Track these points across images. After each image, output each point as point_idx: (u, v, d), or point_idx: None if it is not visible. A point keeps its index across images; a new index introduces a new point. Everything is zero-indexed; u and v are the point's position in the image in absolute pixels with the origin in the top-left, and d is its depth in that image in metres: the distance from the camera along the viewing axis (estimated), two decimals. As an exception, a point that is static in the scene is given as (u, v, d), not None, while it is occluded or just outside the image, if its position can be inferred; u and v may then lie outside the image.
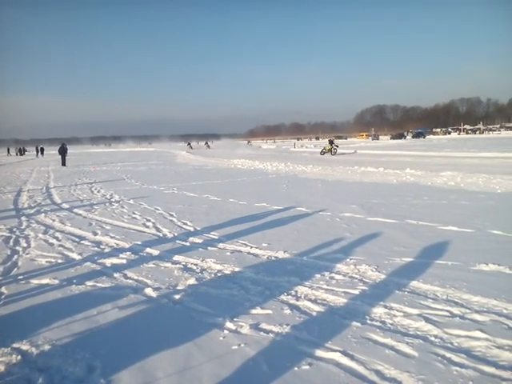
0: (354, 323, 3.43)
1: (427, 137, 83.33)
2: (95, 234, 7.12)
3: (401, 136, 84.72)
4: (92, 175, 20.49)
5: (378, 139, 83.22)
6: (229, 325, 3.49)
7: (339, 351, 2.98)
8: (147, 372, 2.82)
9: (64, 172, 23.62)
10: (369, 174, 15.72)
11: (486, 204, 8.68)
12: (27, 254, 5.96)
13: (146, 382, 2.73)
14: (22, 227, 7.93)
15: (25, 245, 6.49)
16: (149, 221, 8.07)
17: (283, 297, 4.05)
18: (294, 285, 4.35)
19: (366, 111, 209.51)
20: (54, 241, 6.69)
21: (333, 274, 4.62)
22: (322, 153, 33.76)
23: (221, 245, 6.09)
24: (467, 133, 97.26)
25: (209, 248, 5.93)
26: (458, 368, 2.72)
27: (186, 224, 7.62)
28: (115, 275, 4.87)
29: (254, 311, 3.75)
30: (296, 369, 2.79)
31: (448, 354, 2.89)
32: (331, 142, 34.05)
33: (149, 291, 4.30)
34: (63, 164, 29.46)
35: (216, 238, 6.53)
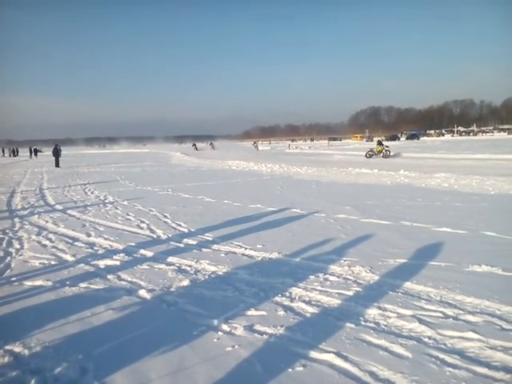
0: (348, 324, 3.43)
1: (421, 138, 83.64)
2: (89, 235, 7.09)
3: (395, 138, 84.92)
4: (86, 176, 20.41)
5: (372, 141, 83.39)
6: (223, 326, 3.48)
7: (333, 352, 2.98)
8: (141, 374, 2.81)
9: (58, 173, 23.52)
10: (363, 175, 15.76)
11: (479, 205, 8.73)
12: (20, 255, 5.93)
13: (139, 383, 2.72)
14: (15, 229, 7.89)
15: (18, 246, 6.45)
16: (143, 222, 8.05)
17: (277, 298, 4.05)
18: (288, 286, 4.35)
19: (360, 113, 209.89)
20: (47, 242, 6.65)
21: (327, 276, 4.63)
22: (369, 155, 28.03)
23: (215, 246, 6.08)
24: (460, 134, 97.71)
25: (203, 249, 5.92)
26: (451, 369, 2.73)
27: (180, 225, 7.61)
28: (109, 277, 4.86)
29: (248, 312, 3.75)
30: (290, 370, 2.79)
31: (441, 355, 2.91)
32: (381, 143, 28.42)
33: (143, 293, 4.29)
34: (57, 165, 29.31)
35: (210, 239, 6.53)
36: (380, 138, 32.57)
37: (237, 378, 2.74)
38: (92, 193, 13.35)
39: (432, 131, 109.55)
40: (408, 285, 4.26)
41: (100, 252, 5.99)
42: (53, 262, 5.52)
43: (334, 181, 14.64)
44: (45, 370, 2.89)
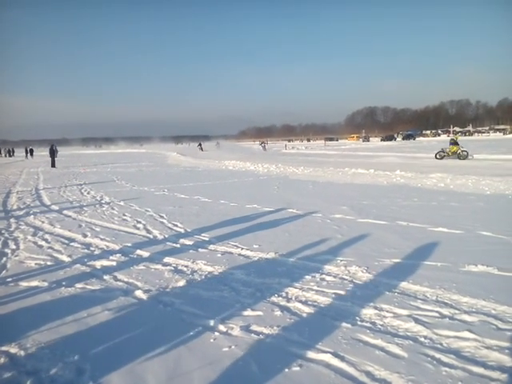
0: (345, 324, 3.44)
1: (417, 139, 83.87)
2: (85, 235, 7.07)
3: (391, 138, 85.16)
4: (82, 177, 20.36)
5: (368, 141, 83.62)
6: (219, 327, 3.48)
7: (330, 352, 2.98)
8: (137, 375, 2.81)
9: (54, 173, 23.44)
10: (359, 175, 15.79)
11: (475, 205, 8.76)
12: (16, 256, 5.91)
13: (135, 384, 2.71)
14: (11, 229, 7.86)
15: (14, 247, 6.43)
16: (139, 222, 8.04)
17: (274, 298, 4.05)
18: (284, 286, 4.35)
19: (356, 113, 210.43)
20: (43, 243, 6.63)
21: (323, 276, 4.63)
22: (440, 156, 23.87)
23: (211, 246, 6.08)
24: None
25: (199, 250, 5.92)
26: (447, 368, 2.74)
27: (176, 226, 7.60)
28: (105, 277, 4.85)
29: (244, 313, 3.75)
30: (286, 370, 2.79)
31: (437, 355, 2.91)
32: (455, 142, 23.74)
33: (139, 293, 4.28)
34: (53, 165, 29.22)
35: (207, 239, 6.52)
36: (454, 137, 27.83)
37: (233, 379, 2.74)
38: (88, 193, 13.32)
39: (428, 131, 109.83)
40: (404, 285, 4.27)
41: (96, 252, 5.98)
42: (49, 263, 5.51)
43: (330, 181, 14.66)
44: (41, 371, 2.88)
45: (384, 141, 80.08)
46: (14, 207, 10.82)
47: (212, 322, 3.54)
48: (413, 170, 16.07)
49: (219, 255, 5.59)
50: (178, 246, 6.22)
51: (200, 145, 65.59)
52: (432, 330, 3.28)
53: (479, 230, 6.45)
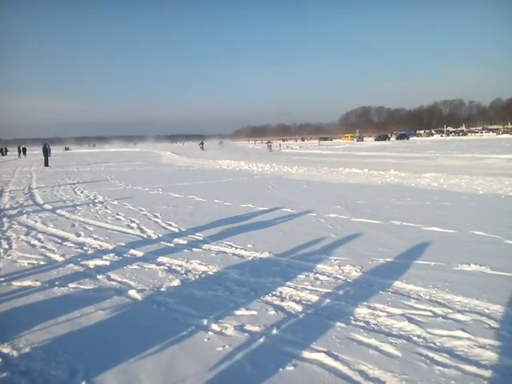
0: (339, 324, 3.44)
1: (411, 138, 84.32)
2: (78, 235, 7.04)
3: (385, 138, 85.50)
4: (75, 176, 20.27)
5: (362, 141, 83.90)
6: (213, 326, 3.47)
7: (324, 352, 2.99)
8: (131, 374, 2.80)
9: (47, 172, 23.32)
10: (353, 175, 15.82)
11: (468, 205, 8.81)
12: (9, 255, 5.87)
13: (129, 384, 2.70)
14: (4, 228, 7.81)
15: (6, 246, 6.39)
16: (133, 222, 8.01)
17: (268, 298, 4.05)
18: (278, 286, 4.35)
19: (351, 113, 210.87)
20: (36, 242, 6.59)
21: (317, 275, 4.64)
22: None
23: (206, 246, 6.07)
24: (448, 135, 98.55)
25: (193, 249, 5.91)
26: (440, 367, 2.75)
27: (170, 225, 7.58)
28: (98, 277, 4.82)
29: (238, 312, 3.74)
30: (280, 370, 2.79)
31: (431, 354, 2.92)
32: None
33: (132, 293, 4.27)
34: (46, 164, 29.07)
35: (201, 239, 6.51)
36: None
37: (227, 378, 2.74)
38: (81, 192, 13.26)
39: (422, 131, 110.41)
40: (398, 284, 4.28)
41: (89, 252, 5.95)
42: (42, 262, 5.48)
43: (324, 180, 14.68)
44: (34, 371, 2.87)
45: (378, 140, 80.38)
46: (7, 206, 10.75)
47: (206, 322, 3.54)
48: (406, 169, 16.12)
49: (213, 255, 5.58)
50: (172, 245, 6.20)
51: (201, 143, 60.49)
52: (425, 329, 3.29)
53: (472, 230, 6.49)
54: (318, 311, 3.71)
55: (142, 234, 6.94)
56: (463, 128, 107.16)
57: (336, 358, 2.92)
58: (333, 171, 17.28)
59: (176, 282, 4.53)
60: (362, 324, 3.44)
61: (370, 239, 6.15)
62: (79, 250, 6.03)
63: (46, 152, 29.86)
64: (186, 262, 5.30)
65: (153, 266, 5.20)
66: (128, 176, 19.24)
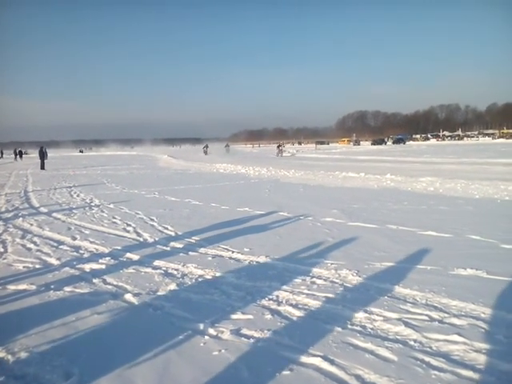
0: (335, 328, 3.44)
1: (407, 143, 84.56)
2: (74, 238, 7.01)
3: (381, 142, 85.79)
4: (72, 179, 20.21)
5: (359, 145, 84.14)
6: (209, 330, 3.46)
7: (320, 356, 2.98)
8: (126, 379, 2.78)
9: (43, 176, 23.25)
10: (350, 179, 15.85)
11: (464, 209, 8.83)
12: (4, 259, 5.84)
13: (124, 389, 2.69)
14: (-1, 232, 7.77)
15: (1, 250, 6.36)
16: (129, 225, 7.99)
17: (264, 302, 4.04)
18: (275, 290, 4.35)
19: (347, 117, 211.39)
20: (31, 246, 6.57)
21: (314, 279, 4.63)
22: None
23: (202, 250, 6.06)
24: (443, 139, 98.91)
25: (190, 253, 5.89)
26: (436, 372, 2.75)
27: (167, 229, 7.57)
28: (94, 281, 4.81)
29: (235, 316, 3.73)
30: (277, 374, 2.78)
31: (427, 358, 2.92)
32: None
33: (128, 297, 4.25)
34: (42, 167, 28.99)
35: (197, 242, 6.50)
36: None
37: (223, 383, 2.73)
38: (78, 195, 13.23)
39: (418, 136, 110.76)
40: (394, 288, 4.28)
41: (85, 255, 5.93)
42: (37, 266, 5.45)
43: (321, 184, 14.70)
44: (29, 376, 2.85)
45: (374, 145, 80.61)
46: (3, 209, 10.70)
47: (202, 326, 3.53)
48: (403, 173, 16.17)
49: (210, 258, 5.57)
50: (169, 249, 6.19)
51: (206, 147, 53.99)
52: (421, 334, 3.30)
53: (468, 234, 6.50)
54: (314, 315, 3.71)
55: (138, 238, 6.92)
56: (459, 132, 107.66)
57: (332, 362, 2.91)
58: (329, 175, 17.32)
59: (172, 286, 4.52)
60: (358, 328, 3.44)
61: (366, 243, 6.15)
62: (75, 254, 6.01)
63: (43, 155, 29.77)
64: (183, 265, 5.28)
65: (149, 269, 5.18)
66: (124, 179, 19.20)
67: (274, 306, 3.93)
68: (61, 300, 4.25)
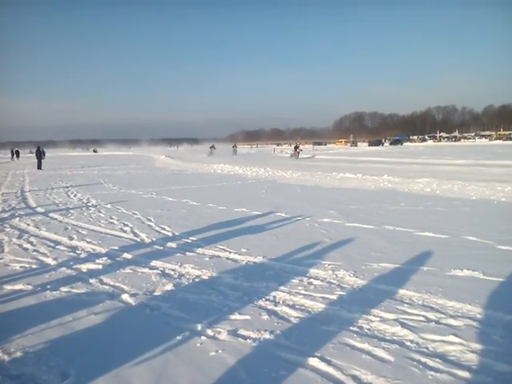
0: (332, 328, 3.44)
1: (404, 144, 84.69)
2: (71, 238, 7.00)
3: (378, 143, 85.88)
4: (69, 179, 20.17)
5: (356, 146, 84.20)
6: (206, 331, 3.46)
7: (317, 356, 2.98)
8: (123, 379, 2.78)
9: (40, 175, 23.18)
10: (347, 180, 15.87)
11: (461, 210, 8.86)
12: (0, 259, 5.82)
13: (121, 389, 2.68)
14: (-4, 231, 7.74)
15: (-2, 250, 6.33)
16: (126, 225, 7.98)
17: (262, 302, 4.04)
18: (272, 290, 4.35)
19: (344, 118, 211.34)
20: (28, 246, 6.55)
21: (311, 280, 4.64)
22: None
23: (199, 250, 6.05)
24: (440, 140, 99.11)
25: (187, 253, 5.89)
26: (433, 372, 2.76)
27: (164, 229, 7.56)
28: (91, 281, 4.79)
29: (232, 317, 3.73)
30: (273, 374, 2.78)
31: (423, 359, 2.93)
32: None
33: (125, 297, 4.24)
34: (39, 167, 28.92)
35: (194, 243, 6.49)
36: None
37: (220, 383, 2.72)
38: (75, 195, 13.20)
39: (415, 137, 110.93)
40: (391, 289, 4.29)
41: (82, 256, 5.91)
42: (34, 266, 5.43)
43: (318, 185, 14.71)
44: (25, 376, 2.84)
45: (371, 146, 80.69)
46: (-1, 209, 10.67)
47: (199, 326, 3.52)
48: (400, 174, 16.20)
49: (207, 259, 5.57)
50: (166, 249, 6.18)
51: (213, 147, 49.80)
52: (418, 334, 3.30)
53: (465, 235, 6.52)
54: (311, 316, 3.71)
55: (135, 238, 6.91)
56: (456, 134, 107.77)
57: (329, 362, 2.91)
58: (327, 176, 17.34)
59: (169, 287, 4.51)
60: (355, 329, 3.44)
61: (363, 244, 6.16)
62: (72, 254, 6.00)
63: (40, 155, 29.71)
64: (180, 266, 5.28)
65: (146, 270, 5.18)
66: (122, 179, 19.17)
67: (271, 307, 3.93)
68: (57, 300, 4.24)
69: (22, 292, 4.49)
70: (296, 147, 40.82)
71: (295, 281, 4.62)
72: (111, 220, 8.62)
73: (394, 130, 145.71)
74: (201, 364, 2.95)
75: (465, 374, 2.73)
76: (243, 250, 5.98)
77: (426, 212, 8.76)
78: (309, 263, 5.25)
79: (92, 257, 5.82)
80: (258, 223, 7.99)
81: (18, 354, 3.14)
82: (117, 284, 4.66)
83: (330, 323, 3.54)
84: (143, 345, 3.23)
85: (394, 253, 5.63)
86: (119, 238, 7.00)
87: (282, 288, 4.40)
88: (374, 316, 3.67)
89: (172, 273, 5.03)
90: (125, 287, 4.55)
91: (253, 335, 3.36)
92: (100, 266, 5.36)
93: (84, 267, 5.34)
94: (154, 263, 5.44)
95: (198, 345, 3.24)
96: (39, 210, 10.44)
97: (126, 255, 5.85)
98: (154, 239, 6.78)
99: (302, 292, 4.27)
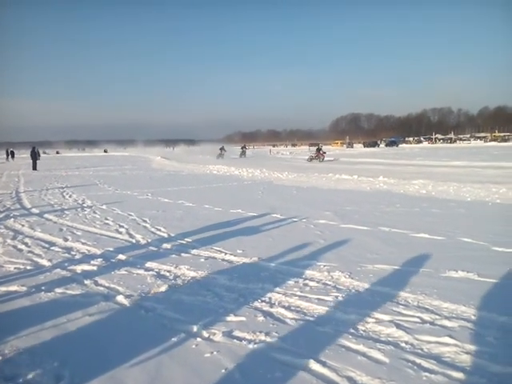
0: (327, 330, 3.44)
1: (400, 145, 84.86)
2: (66, 239, 6.97)
3: (374, 144, 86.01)
4: (64, 180, 20.10)
5: (352, 147, 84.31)
6: (202, 332, 3.45)
7: (312, 358, 2.98)
8: (117, 381, 2.77)
9: (35, 176, 23.09)
10: (343, 181, 15.90)
11: (456, 212, 8.89)
12: (-6, 260, 5.79)
13: (115, 391, 2.67)
14: (-10, 232, 7.70)
15: (-8, 251, 6.30)
16: (122, 227, 7.96)
17: (257, 304, 4.04)
18: (267, 292, 4.34)
19: (341, 119, 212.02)
20: (23, 247, 6.52)
21: (306, 281, 4.64)
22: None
23: (195, 251, 6.04)
24: (435, 142, 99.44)
25: (182, 254, 5.88)
26: (427, 374, 2.76)
27: (159, 230, 7.54)
28: (86, 282, 4.78)
29: (227, 318, 3.73)
30: (269, 376, 2.78)
31: (418, 360, 2.94)
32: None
33: (120, 298, 4.23)
34: (34, 168, 28.80)
35: (190, 244, 6.49)
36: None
37: (215, 385, 2.72)
38: (70, 196, 13.15)
39: (411, 138, 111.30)
40: (386, 290, 4.30)
41: (77, 257, 5.89)
42: (28, 267, 5.41)
43: (314, 186, 14.73)
44: (19, 377, 2.83)
45: (367, 147, 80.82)
46: (-6, 210, 10.62)
47: (194, 328, 3.52)
48: (395, 176, 16.25)
49: (202, 260, 5.56)
50: (161, 250, 6.17)
51: (222, 149, 45.22)
52: (413, 336, 3.31)
53: (460, 237, 6.54)
54: (306, 317, 3.71)
55: (130, 239, 6.90)
56: (452, 135, 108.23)
57: (324, 364, 2.91)
58: (322, 177, 17.37)
59: (164, 288, 4.51)
60: (350, 330, 3.44)
61: (358, 245, 6.17)
62: (67, 255, 5.97)
63: (35, 155, 29.59)
64: (175, 267, 5.27)
65: (141, 271, 5.16)
66: (117, 180, 19.13)
67: (266, 308, 3.93)
68: (52, 301, 4.23)
69: (16, 293, 4.47)
70: (319, 149, 36.02)
71: (291, 282, 4.62)
72: (106, 221, 8.59)
73: (389, 132, 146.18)
74: (196, 366, 2.94)
75: (459, 375, 2.74)
76: (239, 251, 5.97)
77: (422, 213, 8.79)
78: (304, 264, 5.25)
79: (87, 258, 5.80)
80: (254, 224, 7.99)
81: (13, 355, 3.13)
82: (112, 285, 4.65)
83: (325, 324, 3.54)
84: (138, 346, 3.22)
85: (389, 254, 5.64)
86: (114, 239, 6.98)
87: (278, 289, 4.40)
88: (370, 317, 3.67)
89: (167, 274, 5.02)
90: (120, 288, 4.54)
91: (248, 337, 3.36)
92: (95, 268, 5.34)
93: (79, 268, 5.32)
94: (149, 264, 5.42)
95: (193, 346, 3.23)
96: (34, 210, 10.40)
97: (121, 256, 5.83)
98: (149, 240, 6.77)
99: (298, 293, 4.27)
